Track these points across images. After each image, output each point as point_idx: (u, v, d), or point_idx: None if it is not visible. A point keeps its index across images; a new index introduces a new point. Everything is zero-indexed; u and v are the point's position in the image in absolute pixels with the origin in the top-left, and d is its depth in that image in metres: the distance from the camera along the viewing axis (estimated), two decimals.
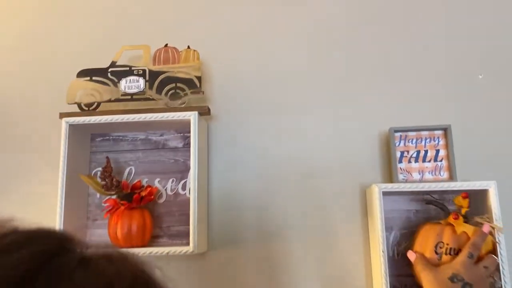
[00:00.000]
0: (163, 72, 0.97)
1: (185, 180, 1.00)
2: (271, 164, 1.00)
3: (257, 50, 1.07)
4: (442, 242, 0.80)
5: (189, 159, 0.94)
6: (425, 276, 0.78)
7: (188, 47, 1.00)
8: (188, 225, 0.88)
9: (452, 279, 0.75)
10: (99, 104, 0.97)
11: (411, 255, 0.83)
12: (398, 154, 0.92)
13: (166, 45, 1.00)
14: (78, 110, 0.97)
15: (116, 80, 0.98)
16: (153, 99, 0.96)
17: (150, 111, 0.93)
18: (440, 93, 0.99)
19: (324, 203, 0.97)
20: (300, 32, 1.06)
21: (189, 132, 0.92)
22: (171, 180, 1.00)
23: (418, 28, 1.03)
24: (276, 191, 0.99)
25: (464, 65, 1.00)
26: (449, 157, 0.90)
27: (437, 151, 0.91)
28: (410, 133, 0.93)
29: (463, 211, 0.83)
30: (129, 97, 0.97)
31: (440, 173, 0.90)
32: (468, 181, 0.85)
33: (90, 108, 0.97)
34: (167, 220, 0.98)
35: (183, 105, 0.95)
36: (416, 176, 0.91)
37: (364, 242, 0.94)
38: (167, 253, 0.87)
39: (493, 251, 0.81)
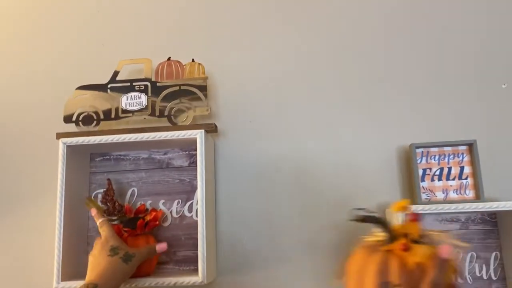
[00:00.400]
0: (167, 87, 0.91)
1: (191, 201, 0.94)
2: (282, 183, 0.94)
3: (264, 63, 1.00)
4: (388, 282, 0.58)
5: (195, 179, 0.88)
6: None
7: (193, 60, 0.94)
8: (196, 249, 0.82)
9: None
10: (98, 122, 0.91)
11: None
12: (420, 172, 0.86)
13: (169, 59, 0.94)
14: (76, 130, 0.90)
15: (116, 97, 0.92)
16: (156, 116, 0.90)
17: (154, 129, 0.87)
18: (462, 106, 0.93)
19: (338, 224, 0.91)
20: (312, 44, 1.00)
21: (195, 149, 0.86)
22: (176, 201, 0.94)
23: (437, 39, 0.97)
24: (289, 212, 0.93)
25: (486, 75, 0.94)
26: (475, 174, 0.84)
27: (462, 168, 0.85)
28: (432, 149, 0.87)
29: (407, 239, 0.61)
30: (131, 114, 0.91)
31: (465, 192, 0.84)
32: (497, 201, 0.79)
33: (89, 127, 0.91)
34: (173, 245, 0.92)
35: (188, 123, 0.89)
36: (439, 195, 0.85)
37: None
38: (175, 283, 0.80)
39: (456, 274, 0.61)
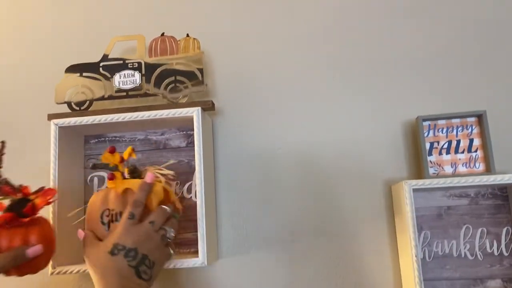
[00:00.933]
0: (161, 65, 0.87)
1: (190, 182, 0.91)
2: (282, 161, 0.91)
3: (263, 37, 0.96)
4: (108, 209, 0.70)
5: (193, 160, 0.84)
6: (86, 259, 0.66)
7: (187, 35, 0.90)
8: (196, 231, 0.79)
9: (113, 251, 0.64)
10: (91, 102, 0.87)
11: (80, 234, 0.70)
12: (428, 146, 0.82)
13: (162, 34, 0.90)
14: (68, 110, 0.87)
15: (109, 76, 0.88)
16: (151, 95, 0.86)
17: (149, 108, 0.83)
18: (471, 76, 0.89)
19: (342, 201, 0.88)
20: (312, 18, 0.96)
21: (192, 129, 0.82)
22: (175, 183, 0.91)
23: (441, 7, 0.93)
24: (290, 191, 0.90)
25: (496, 45, 0.90)
26: (485, 146, 0.80)
27: (471, 141, 0.81)
28: (440, 122, 0.83)
29: (121, 168, 0.74)
30: (124, 93, 0.87)
31: (475, 165, 0.81)
32: (508, 173, 0.76)
33: (82, 108, 0.87)
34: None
35: (184, 100, 0.86)
36: (448, 169, 0.81)
37: (391, 244, 0.85)
38: (174, 266, 0.78)
39: (167, 199, 0.74)
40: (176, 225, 0.73)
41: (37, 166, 0.93)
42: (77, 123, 0.83)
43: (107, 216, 0.70)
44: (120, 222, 0.68)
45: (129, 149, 0.77)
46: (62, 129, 0.85)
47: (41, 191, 0.70)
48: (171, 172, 0.78)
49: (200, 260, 0.77)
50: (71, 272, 0.78)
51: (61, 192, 0.82)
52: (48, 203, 0.70)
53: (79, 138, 0.93)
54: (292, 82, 0.94)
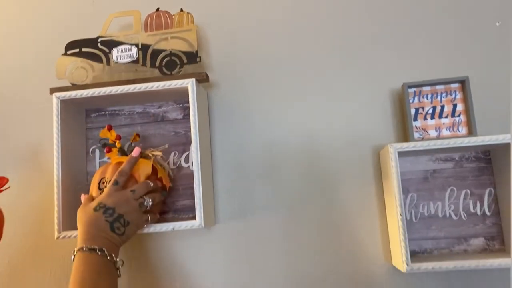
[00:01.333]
0: (156, 39, 0.91)
1: (187, 152, 0.95)
2: (275, 131, 0.95)
3: (256, 10, 0.99)
4: (105, 177, 0.83)
5: (190, 131, 0.88)
6: (78, 214, 0.78)
7: (181, 10, 0.93)
8: (194, 198, 0.83)
9: (96, 208, 0.75)
10: (91, 76, 0.91)
11: (82, 197, 0.82)
12: (413, 112, 0.86)
13: (157, 10, 0.93)
14: (69, 85, 0.91)
15: (107, 50, 0.92)
16: (147, 67, 0.90)
17: (145, 81, 0.87)
18: (454, 43, 0.92)
19: (333, 169, 0.92)
20: None
21: (188, 102, 0.86)
22: (172, 153, 0.95)
23: None
24: (282, 159, 0.94)
25: (479, 12, 0.93)
26: (468, 111, 0.83)
27: (455, 106, 0.85)
28: (425, 88, 0.86)
29: (118, 144, 0.87)
30: (122, 67, 0.91)
31: (458, 128, 0.84)
32: (489, 135, 0.79)
33: (82, 81, 0.91)
34: (171, 195, 0.93)
35: (179, 73, 0.89)
36: (432, 133, 0.85)
37: (380, 207, 0.89)
38: (173, 228, 0.82)
39: (155, 175, 0.86)
40: (158, 198, 0.85)
41: (41, 138, 0.98)
42: (77, 96, 0.87)
43: (103, 183, 0.83)
44: (107, 187, 0.79)
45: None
46: (63, 103, 0.89)
47: None
48: (160, 154, 0.88)
49: (197, 222, 0.81)
50: (75, 237, 0.83)
51: (65, 162, 0.87)
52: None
53: (81, 112, 0.97)
54: (285, 56, 0.97)
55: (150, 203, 0.81)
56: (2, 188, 0.80)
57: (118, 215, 0.76)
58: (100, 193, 0.81)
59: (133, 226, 0.78)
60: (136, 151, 0.84)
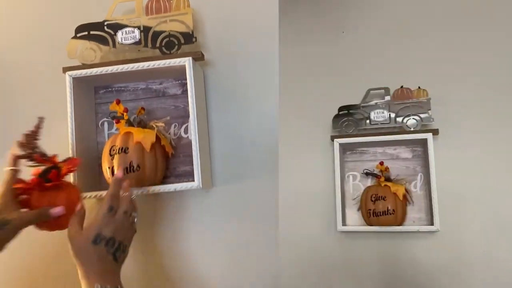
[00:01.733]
0: (156, 22, 1.01)
1: (186, 124, 1.06)
2: (265, 104, 1.05)
3: None
4: (115, 145, 0.92)
5: (188, 105, 0.99)
6: (70, 244, 0.73)
7: None
8: (193, 165, 0.95)
9: (95, 240, 0.72)
10: (99, 56, 1.02)
11: (77, 208, 0.78)
12: None
13: None
14: (79, 64, 1.02)
15: (113, 33, 1.02)
16: (149, 47, 1.01)
17: (147, 59, 0.98)
18: None
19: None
20: None
21: (186, 78, 0.97)
22: (173, 125, 1.06)
23: None
24: (274, 125, 1.05)
25: None
26: None
27: None
28: None
29: (126, 116, 0.97)
30: (127, 48, 1.02)
31: None
32: None
33: (91, 62, 1.02)
34: (172, 162, 1.05)
35: (178, 52, 1.00)
36: None
37: None
38: (175, 189, 0.94)
39: (158, 143, 0.96)
40: (135, 207, 0.82)
41: (56, 113, 1.09)
42: (87, 74, 0.98)
43: (113, 150, 0.93)
44: (99, 212, 0.76)
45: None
46: (75, 80, 1.00)
47: (67, 160, 0.82)
48: (162, 124, 0.99)
49: (195, 183, 0.93)
50: (89, 197, 0.95)
51: (77, 134, 0.98)
52: (71, 171, 0.82)
53: (90, 89, 1.08)
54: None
55: (136, 215, 0.81)
56: (72, 169, 0.82)
57: (118, 244, 0.75)
58: (111, 159, 0.91)
59: (128, 247, 0.78)
60: (119, 173, 0.84)
